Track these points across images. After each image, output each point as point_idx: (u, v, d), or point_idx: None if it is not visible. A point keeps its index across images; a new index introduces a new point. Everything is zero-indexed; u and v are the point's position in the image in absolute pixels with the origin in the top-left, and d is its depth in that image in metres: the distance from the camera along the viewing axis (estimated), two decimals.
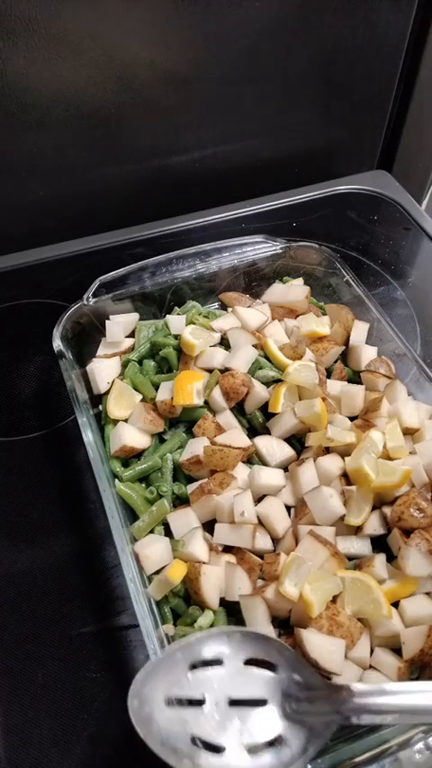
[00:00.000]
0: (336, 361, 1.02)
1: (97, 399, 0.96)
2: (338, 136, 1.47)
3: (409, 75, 1.39)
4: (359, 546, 0.79)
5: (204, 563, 0.77)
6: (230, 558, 0.79)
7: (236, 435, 0.88)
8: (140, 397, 0.94)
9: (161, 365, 1.00)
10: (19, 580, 0.86)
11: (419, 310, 1.19)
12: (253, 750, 0.57)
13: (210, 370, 0.94)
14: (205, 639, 0.62)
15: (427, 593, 0.76)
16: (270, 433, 0.91)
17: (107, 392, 0.95)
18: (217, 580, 0.76)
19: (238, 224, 1.35)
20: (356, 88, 1.38)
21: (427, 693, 0.54)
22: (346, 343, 1.02)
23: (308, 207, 1.40)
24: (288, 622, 0.74)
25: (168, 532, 0.82)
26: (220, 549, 0.80)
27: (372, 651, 0.72)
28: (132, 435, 0.89)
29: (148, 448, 0.91)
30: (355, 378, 1.01)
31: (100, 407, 0.96)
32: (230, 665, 0.61)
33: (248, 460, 0.89)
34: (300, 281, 1.12)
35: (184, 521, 0.81)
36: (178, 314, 1.05)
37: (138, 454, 0.91)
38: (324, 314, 1.07)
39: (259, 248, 1.10)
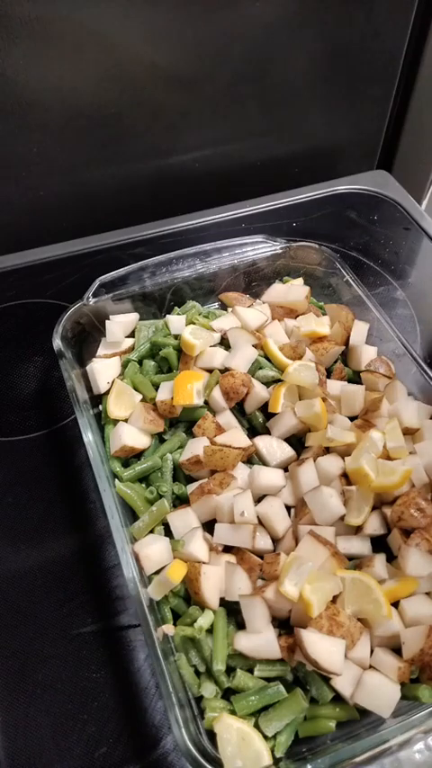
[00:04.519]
0: (336, 361, 1.02)
1: (97, 399, 0.96)
2: (338, 136, 1.47)
3: (409, 75, 1.40)
4: (359, 546, 0.79)
5: (204, 563, 0.77)
6: (230, 558, 0.78)
7: (236, 435, 0.87)
8: (140, 397, 0.94)
9: (161, 365, 1.00)
10: (19, 580, 0.86)
11: (419, 310, 1.19)
12: None
13: (210, 370, 0.94)
14: None
15: (427, 593, 0.76)
16: (270, 433, 0.91)
17: (107, 392, 0.95)
18: (217, 580, 0.76)
19: (238, 224, 1.35)
20: (356, 88, 1.38)
21: None
22: (346, 343, 1.02)
23: (308, 207, 1.40)
24: (288, 622, 0.74)
25: (168, 532, 0.82)
26: (220, 549, 0.80)
27: (372, 651, 0.72)
28: (132, 435, 0.89)
29: (148, 448, 0.91)
30: (355, 378, 1.01)
31: (100, 407, 0.96)
32: None
33: (248, 460, 0.89)
34: (300, 281, 1.12)
35: (184, 521, 0.81)
36: (178, 314, 1.05)
37: (138, 454, 0.91)
38: (324, 314, 1.07)
39: (259, 248, 1.10)
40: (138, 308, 1.06)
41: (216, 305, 1.12)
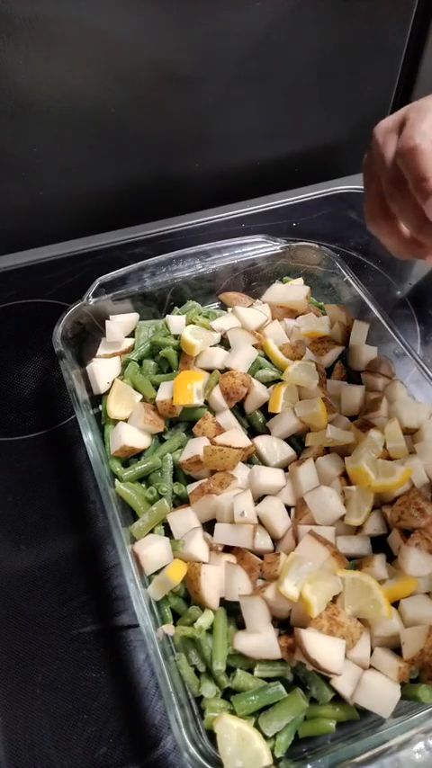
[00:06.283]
0: (336, 361, 1.02)
1: (97, 399, 0.96)
2: (338, 136, 1.47)
3: (409, 75, 1.40)
4: (359, 546, 0.79)
5: (204, 563, 0.77)
6: (230, 558, 0.78)
7: (236, 435, 0.87)
8: (140, 397, 0.94)
9: (161, 365, 1.00)
10: (19, 580, 0.86)
11: (419, 310, 1.19)
12: None
13: (210, 370, 0.94)
14: None
15: (427, 593, 0.76)
16: (270, 433, 0.91)
17: (107, 392, 0.95)
18: (217, 580, 0.76)
19: (238, 224, 1.35)
20: (356, 88, 1.38)
21: None
22: (346, 343, 1.02)
23: (308, 207, 1.40)
24: (288, 622, 0.74)
25: (168, 532, 0.82)
26: (220, 549, 0.80)
27: (372, 651, 0.72)
28: (132, 435, 0.89)
29: (148, 448, 0.91)
30: (355, 378, 1.01)
31: (100, 407, 0.96)
32: None
33: (248, 460, 0.89)
34: (300, 281, 1.12)
35: (184, 521, 0.81)
36: (178, 314, 1.05)
37: (138, 454, 0.91)
38: (324, 314, 1.07)
39: (259, 248, 1.10)
40: (138, 308, 1.06)
41: (216, 305, 1.12)
